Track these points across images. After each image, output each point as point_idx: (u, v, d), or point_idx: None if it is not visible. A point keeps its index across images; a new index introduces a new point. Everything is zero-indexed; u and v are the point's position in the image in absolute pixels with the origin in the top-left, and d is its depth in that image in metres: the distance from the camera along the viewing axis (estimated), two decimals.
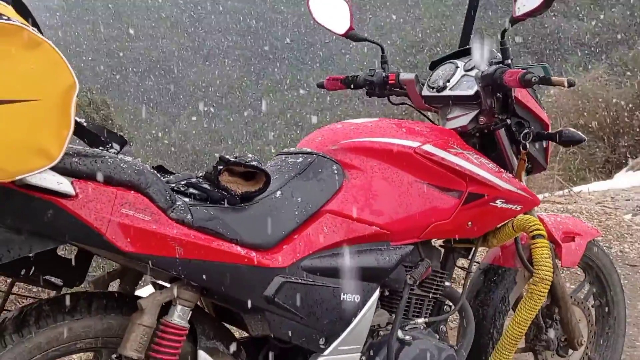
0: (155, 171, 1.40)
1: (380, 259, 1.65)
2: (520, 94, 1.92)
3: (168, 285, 1.47)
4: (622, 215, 4.95)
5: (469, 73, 1.92)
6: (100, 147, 1.38)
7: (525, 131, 1.93)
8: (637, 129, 11.46)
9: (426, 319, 1.84)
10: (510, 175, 1.91)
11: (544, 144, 2.04)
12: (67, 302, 1.38)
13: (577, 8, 26.38)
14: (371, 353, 1.70)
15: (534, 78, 1.71)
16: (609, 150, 11.57)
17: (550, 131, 2.01)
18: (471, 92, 1.88)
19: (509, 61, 1.87)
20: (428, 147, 1.74)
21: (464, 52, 2.02)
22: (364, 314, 1.63)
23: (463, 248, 1.98)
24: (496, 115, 1.90)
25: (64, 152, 1.15)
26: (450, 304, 1.93)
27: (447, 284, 1.90)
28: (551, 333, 2.16)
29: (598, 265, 2.35)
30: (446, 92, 1.94)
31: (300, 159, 1.67)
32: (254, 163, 1.47)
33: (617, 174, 10.39)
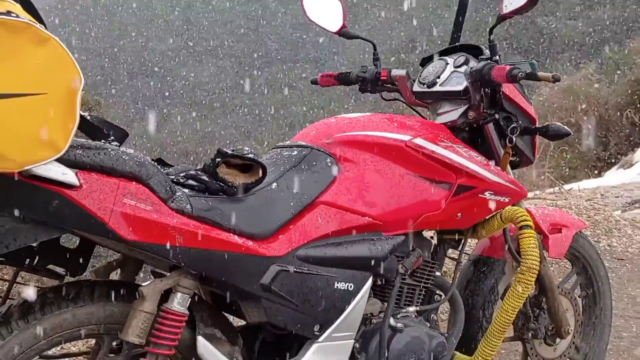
0: (156, 163, 1.46)
1: (373, 248, 1.70)
2: (508, 89, 1.98)
3: (168, 274, 1.52)
4: (611, 211, 5.02)
5: (459, 69, 1.98)
6: (102, 140, 1.43)
7: (513, 125, 1.99)
8: (628, 127, 11.57)
9: (417, 308, 1.89)
10: (499, 168, 1.97)
11: (532, 138, 2.10)
12: (71, 289, 1.43)
13: (568, 8, 26.55)
14: (364, 340, 1.75)
15: (520, 73, 1.77)
16: (600, 149, 11.69)
17: (537, 125, 2.07)
18: (460, 87, 1.94)
19: (497, 57, 1.93)
20: (419, 141, 1.79)
21: (454, 49, 2.08)
22: (357, 301, 1.68)
23: (453, 239, 2.04)
24: (485, 110, 1.96)
25: (70, 144, 1.20)
26: (441, 293, 1.99)
27: (437, 274, 1.96)
28: (539, 322, 2.22)
29: (585, 256, 2.41)
30: (436, 88, 2.00)
31: (296, 152, 1.73)
32: (251, 156, 1.52)
33: (607, 172, 10.50)
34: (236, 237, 1.48)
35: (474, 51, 2.02)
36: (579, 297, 2.45)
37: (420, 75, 2.07)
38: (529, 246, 1.95)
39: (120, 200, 1.32)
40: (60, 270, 1.51)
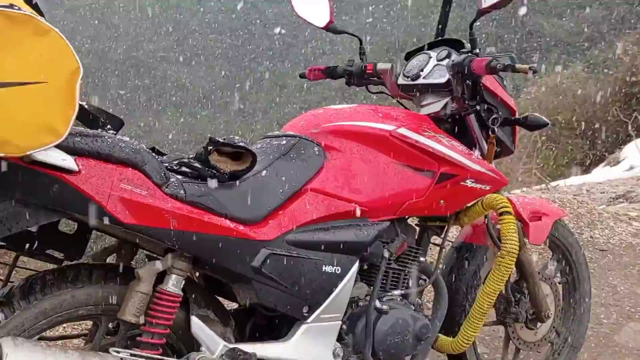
0: (151, 151, 1.52)
1: (359, 233, 1.77)
2: (488, 81, 2.06)
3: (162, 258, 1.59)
4: (595, 205, 5.12)
5: (441, 62, 2.06)
6: (100, 128, 1.49)
7: (494, 116, 2.07)
8: (615, 125, 11.68)
9: (402, 291, 1.97)
10: (480, 157, 2.05)
11: (512, 128, 2.18)
12: (70, 272, 1.49)
13: (556, 7, 26.74)
14: (351, 321, 1.83)
15: (499, 65, 1.85)
16: (587, 146, 11.80)
17: (517, 116, 2.15)
18: (443, 80, 2.02)
19: (477, 51, 2.01)
20: (403, 130, 1.87)
21: (437, 43, 2.16)
22: (345, 284, 1.76)
23: (437, 226, 2.12)
24: (466, 102, 2.04)
25: (70, 130, 1.26)
26: (426, 278, 2.07)
27: (422, 259, 2.04)
28: (520, 306, 2.30)
29: (564, 243, 2.49)
30: (420, 81, 2.07)
31: (284, 141, 1.80)
32: (242, 144, 1.59)
33: (594, 170, 10.61)
34: (228, 222, 1.54)
35: (456, 45, 2.10)
36: (559, 283, 2.53)
37: (404, 69, 2.14)
38: (509, 231, 2.03)
39: (117, 185, 1.38)
40: (58, 254, 1.57)
